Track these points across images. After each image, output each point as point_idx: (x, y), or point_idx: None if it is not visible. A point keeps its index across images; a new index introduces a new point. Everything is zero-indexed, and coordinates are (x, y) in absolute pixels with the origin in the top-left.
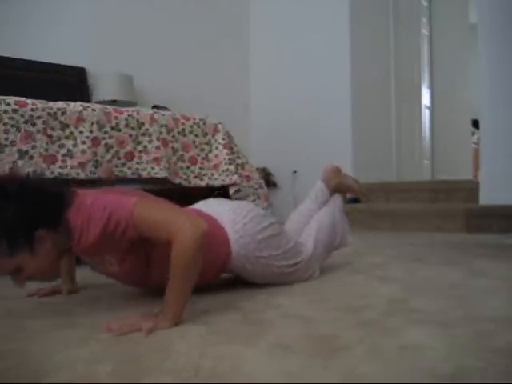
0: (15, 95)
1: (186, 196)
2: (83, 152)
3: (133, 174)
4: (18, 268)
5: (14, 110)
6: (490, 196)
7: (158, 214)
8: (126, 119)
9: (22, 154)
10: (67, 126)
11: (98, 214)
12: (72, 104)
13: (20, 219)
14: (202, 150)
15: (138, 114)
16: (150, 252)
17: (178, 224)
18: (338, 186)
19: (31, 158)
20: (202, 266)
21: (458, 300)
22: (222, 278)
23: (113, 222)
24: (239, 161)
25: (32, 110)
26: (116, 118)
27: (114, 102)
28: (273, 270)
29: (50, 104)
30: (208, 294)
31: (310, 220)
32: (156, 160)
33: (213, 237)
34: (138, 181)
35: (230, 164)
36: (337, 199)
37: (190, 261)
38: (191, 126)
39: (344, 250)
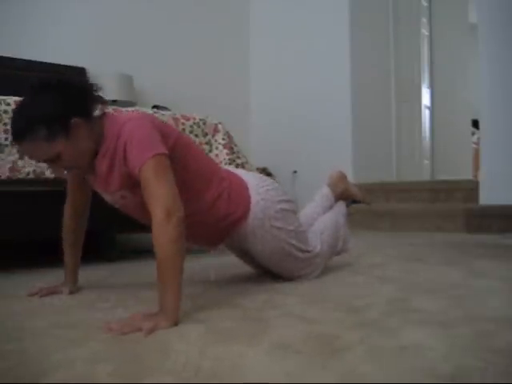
0: (15, 95)
1: None
2: None
3: None
4: (56, 155)
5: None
6: (490, 196)
7: (156, 183)
8: None
9: (22, 154)
10: None
11: (122, 139)
12: None
13: (57, 106)
14: (202, 149)
15: None
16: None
17: (156, 205)
18: (344, 192)
19: None
20: (219, 217)
21: (458, 300)
22: (223, 277)
23: (126, 158)
24: (239, 161)
25: None
26: None
27: (114, 102)
28: (282, 246)
29: None
30: (209, 292)
31: (315, 222)
32: None
33: (235, 190)
34: None
35: (229, 164)
36: (341, 205)
37: (168, 252)
38: (191, 126)
39: None
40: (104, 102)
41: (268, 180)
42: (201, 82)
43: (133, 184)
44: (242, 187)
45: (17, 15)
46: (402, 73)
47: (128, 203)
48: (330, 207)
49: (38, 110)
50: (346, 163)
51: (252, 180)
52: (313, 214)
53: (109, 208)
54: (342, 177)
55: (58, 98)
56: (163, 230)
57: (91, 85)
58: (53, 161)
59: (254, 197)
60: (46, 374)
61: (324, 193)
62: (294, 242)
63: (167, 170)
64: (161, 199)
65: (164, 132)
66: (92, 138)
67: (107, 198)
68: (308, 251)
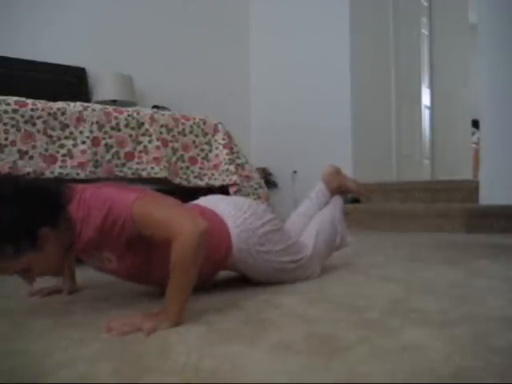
0: (15, 95)
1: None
2: (83, 152)
3: (133, 174)
4: (26, 268)
5: (14, 110)
6: (490, 196)
7: (158, 210)
8: (126, 119)
9: (22, 153)
10: (67, 126)
11: (98, 206)
12: (72, 104)
13: (21, 220)
14: (202, 150)
15: (137, 114)
16: (150, 250)
17: (177, 222)
18: (338, 187)
19: (31, 158)
20: (203, 262)
21: (458, 300)
22: (223, 277)
23: (112, 216)
24: (239, 161)
25: (32, 110)
26: (116, 118)
27: (114, 102)
28: (274, 266)
29: (50, 104)
30: (209, 293)
31: (311, 220)
32: (156, 160)
33: (214, 231)
34: (137, 181)
35: (229, 164)
36: (337, 200)
37: (189, 260)
38: (191, 126)
39: (344, 250)
40: (69, 196)
41: (244, 204)
42: (201, 82)
43: (123, 248)
44: (219, 223)
45: (17, 15)
46: (402, 73)
47: (115, 270)
48: (326, 203)
49: (1, 228)
50: (346, 163)
51: (227, 212)
52: (309, 212)
53: None
54: (336, 171)
55: (20, 211)
56: (190, 236)
57: (53, 185)
58: (23, 273)
59: (233, 231)
60: (47, 373)
61: (318, 188)
62: (283, 259)
63: (159, 198)
64: (180, 217)
65: (129, 188)
66: (63, 240)
67: (97, 267)
68: (301, 259)
